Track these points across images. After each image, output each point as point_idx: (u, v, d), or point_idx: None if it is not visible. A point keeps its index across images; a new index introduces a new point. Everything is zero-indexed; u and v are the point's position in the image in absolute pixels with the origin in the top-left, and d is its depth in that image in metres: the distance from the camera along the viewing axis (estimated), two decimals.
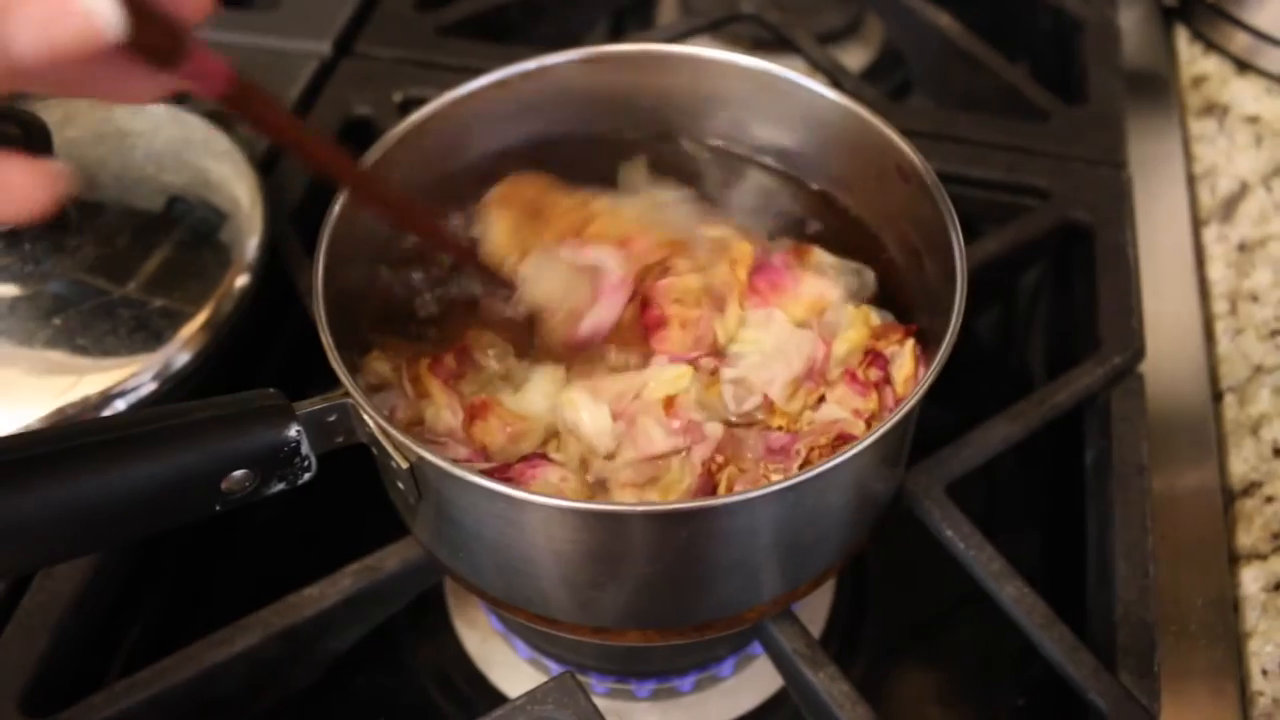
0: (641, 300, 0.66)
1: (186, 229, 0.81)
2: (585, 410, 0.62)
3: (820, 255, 0.69)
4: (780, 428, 0.63)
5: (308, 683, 0.74)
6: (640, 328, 0.66)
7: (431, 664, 0.80)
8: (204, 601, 0.83)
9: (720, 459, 0.61)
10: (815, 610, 0.81)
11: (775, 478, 0.58)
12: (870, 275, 0.70)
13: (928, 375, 0.56)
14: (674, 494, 0.59)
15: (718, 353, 0.66)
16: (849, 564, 0.84)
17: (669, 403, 0.62)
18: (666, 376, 0.63)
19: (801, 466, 0.59)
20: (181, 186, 0.83)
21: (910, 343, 0.65)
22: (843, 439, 0.60)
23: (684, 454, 0.61)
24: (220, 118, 0.93)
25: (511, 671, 0.78)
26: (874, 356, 0.65)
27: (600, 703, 0.64)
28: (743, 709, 0.78)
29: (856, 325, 0.66)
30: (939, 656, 0.83)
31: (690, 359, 0.65)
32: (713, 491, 0.60)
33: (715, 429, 0.62)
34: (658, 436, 0.61)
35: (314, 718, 0.78)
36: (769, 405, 0.64)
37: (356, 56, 1.02)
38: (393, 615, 0.75)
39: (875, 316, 0.67)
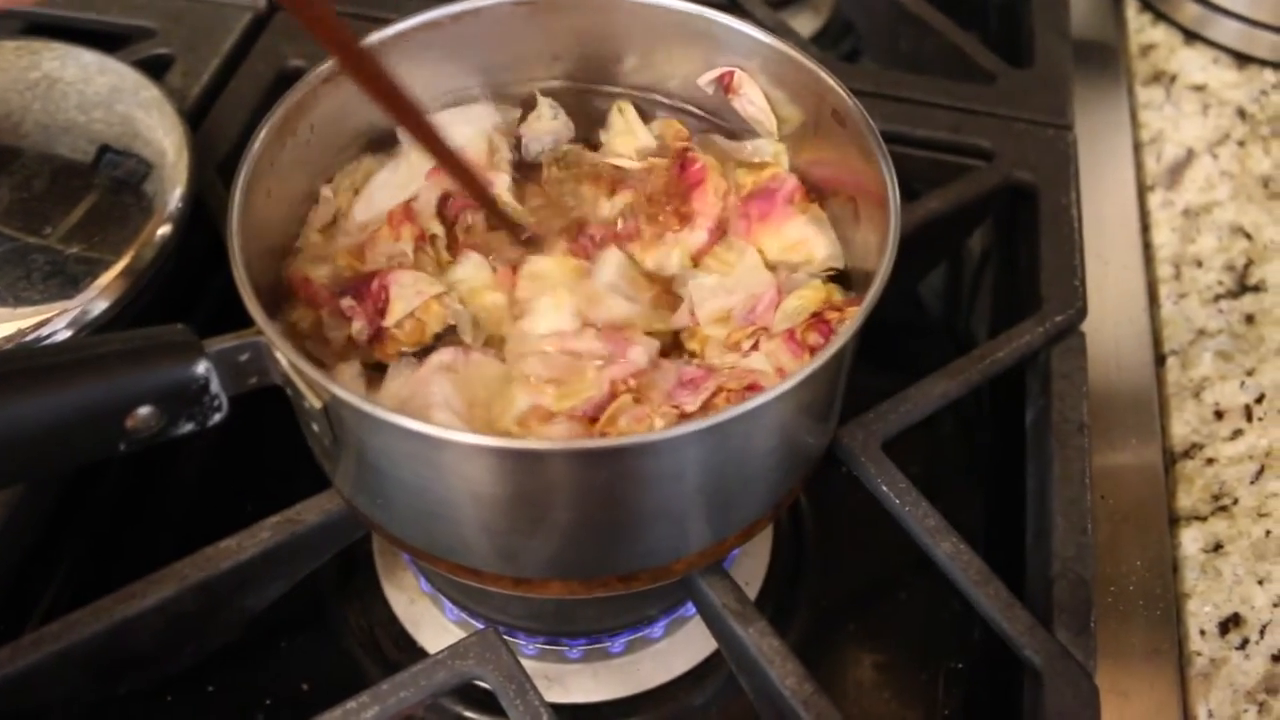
0: (681, 162, 0.70)
1: (110, 178, 0.79)
2: (555, 309, 0.62)
3: (819, 213, 0.68)
4: (694, 353, 0.62)
5: (227, 640, 0.71)
6: (681, 187, 0.69)
7: (358, 626, 0.78)
8: (130, 564, 0.80)
9: (633, 383, 0.59)
10: (751, 573, 0.80)
11: (659, 423, 0.57)
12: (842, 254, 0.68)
13: (860, 312, 0.54)
14: (570, 401, 0.58)
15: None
16: (781, 519, 0.83)
17: (623, 325, 0.63)
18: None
19: (704, 405, 0.58)
20: (108, 135, 0.81)
21: (854, 312, 0.63)
22: (754, 389, 0.59)
23: (601, 365, 0.60)
24: (150, 68, 0.90)
25: (439, 633, 0.76)
26: (819, 322, 0.63)
27: (530, 664, 0.63)
28: (675, 672, 0.76)
29: (817, 288, 0.64)
30: (878, 621, 0.82)
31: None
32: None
33: (640, 355, 0.60)
34: (586, 337, 0.61)
35: (236, 681, 0.75)
36: (693, 322, 0.63)
37: None
38: (319, 576, 0.73)
39: (839, 294, 0.65)
